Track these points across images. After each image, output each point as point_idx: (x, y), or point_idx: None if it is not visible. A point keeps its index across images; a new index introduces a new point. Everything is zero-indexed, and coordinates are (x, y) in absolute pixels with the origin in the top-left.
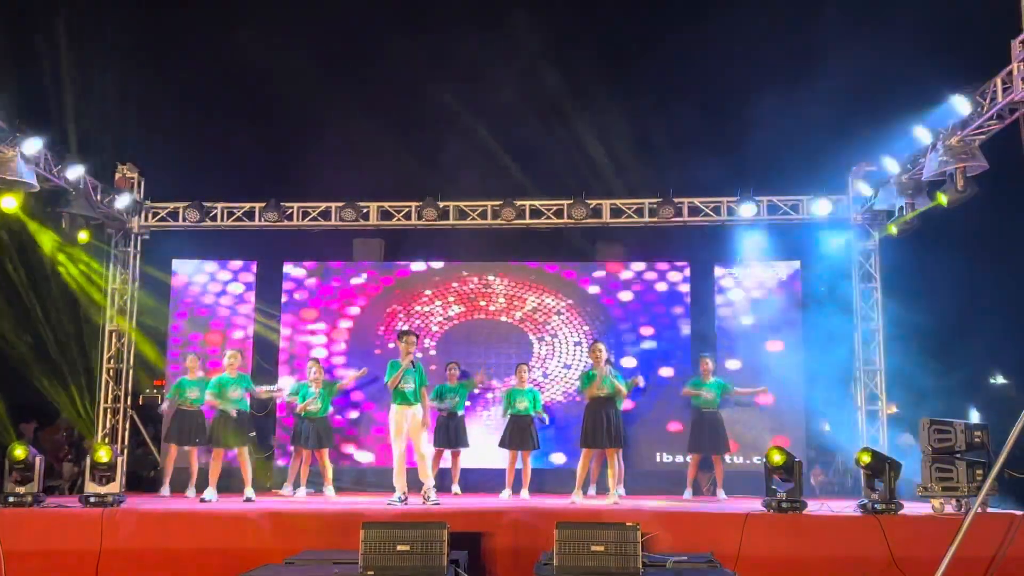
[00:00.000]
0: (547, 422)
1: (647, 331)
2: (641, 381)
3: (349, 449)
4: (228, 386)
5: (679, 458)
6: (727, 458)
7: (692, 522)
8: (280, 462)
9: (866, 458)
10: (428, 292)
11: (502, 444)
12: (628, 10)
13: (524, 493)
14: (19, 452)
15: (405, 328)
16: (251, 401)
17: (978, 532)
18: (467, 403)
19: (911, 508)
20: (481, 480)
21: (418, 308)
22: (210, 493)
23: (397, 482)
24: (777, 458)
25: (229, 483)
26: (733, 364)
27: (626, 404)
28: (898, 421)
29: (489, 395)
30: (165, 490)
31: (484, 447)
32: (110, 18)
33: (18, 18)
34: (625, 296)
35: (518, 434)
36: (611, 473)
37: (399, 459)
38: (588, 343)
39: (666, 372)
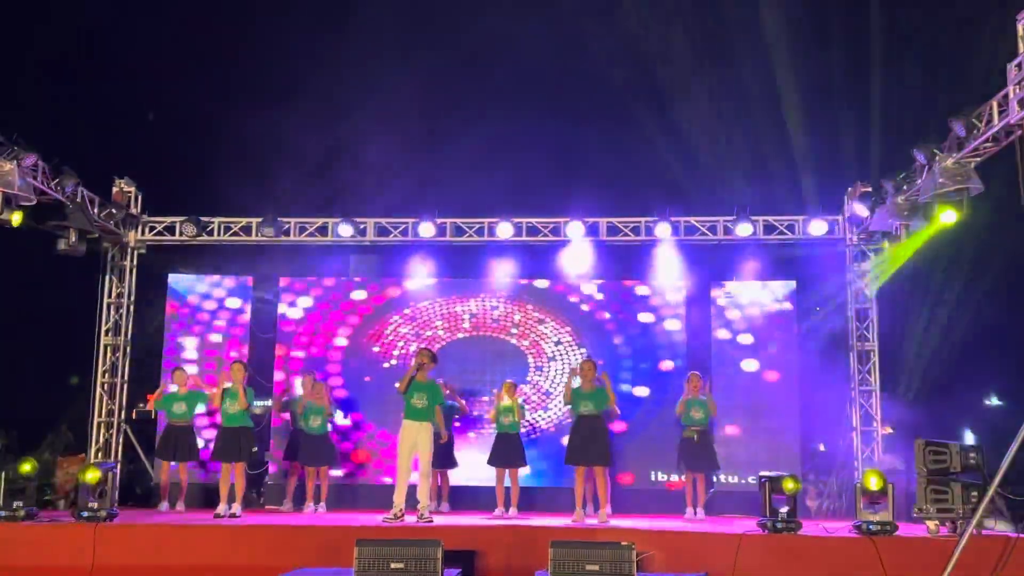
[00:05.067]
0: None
1: (642, 349)
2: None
3: (344, 463)
4: (226, 400)
5: (674, 476)
6: (722, 477)
7: (687, 542)
8: (273, 474)
9: (878, 481)
10: (424, 309)
11: (489, 461)
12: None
13: (512, 510)
14: (27, 468)
15: (424, 347)
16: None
17: (973, 554)
18: (456, 423)
19: (906, 530)
20: (473, 498)
21: (414, 325)
22: (224, 508)
23: (396, 498)
24: (874, 482)
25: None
26: (728, 383)
27: (620, 425)
28: (893, 442)
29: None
30: (164, 505)
31: (475, 465)
32: (109, 32)
33: (16, 32)
34: (621, 314)
35: (504, 451)
36: (602, 492)
37: (402, 474)
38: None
39: (661, 390)
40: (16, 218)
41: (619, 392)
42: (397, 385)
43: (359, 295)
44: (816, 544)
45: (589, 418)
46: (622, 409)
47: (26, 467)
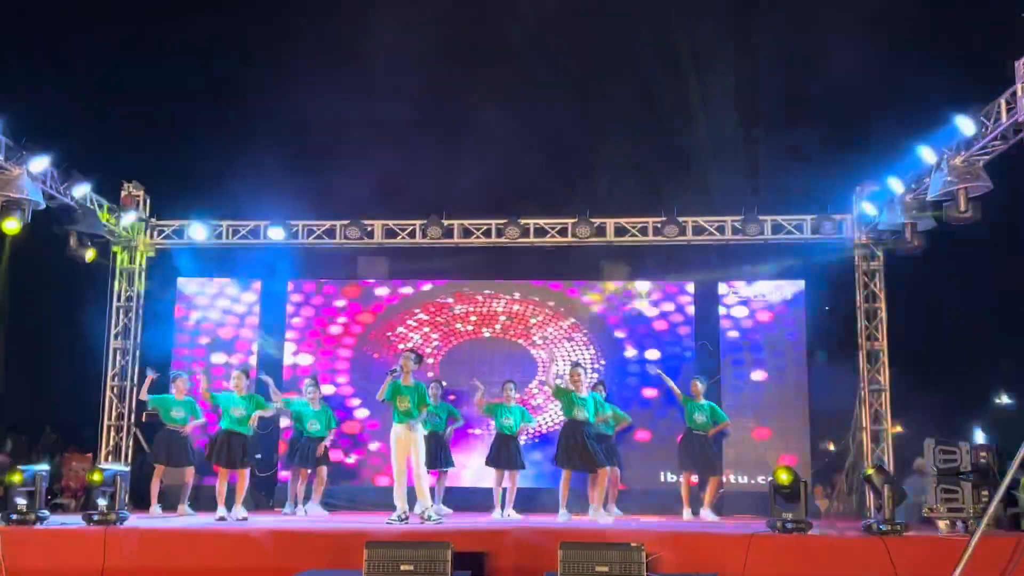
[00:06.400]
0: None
1: (651, 350)
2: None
3: (348, 466)
4: (232, 405)
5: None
6: (731, 478)
7: (696, 543)
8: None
9: (870, 471)
10: (432, 310)
11: (487, 462)
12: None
13: (511, 512)
14: (16, 478)
15: (409, 347)
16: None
17: (984, 553)
18: (457, 423)
19: (917, 529)
20: (471, 499)
21: (422, 326)
22: (222, 511)
23: (397, 500)
24: (784, 477)
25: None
26: (737, 384)
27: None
28: (904, 441)
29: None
30: (156, 509)
31: (475, 466)
32: (118, 37)
33: (25, 36)
34: (629, 315)
35: (501, 453)
36: (596, 493)
37: (399, 477)
38: (591, 361)
39: (669, 392)
40: (12, 224)
41: (627, 396)
42: (377, 396)
43: (367, 297)
44: (826, 544)
45: (579, 423)
46: (630, 412)
47: (15, 477)
